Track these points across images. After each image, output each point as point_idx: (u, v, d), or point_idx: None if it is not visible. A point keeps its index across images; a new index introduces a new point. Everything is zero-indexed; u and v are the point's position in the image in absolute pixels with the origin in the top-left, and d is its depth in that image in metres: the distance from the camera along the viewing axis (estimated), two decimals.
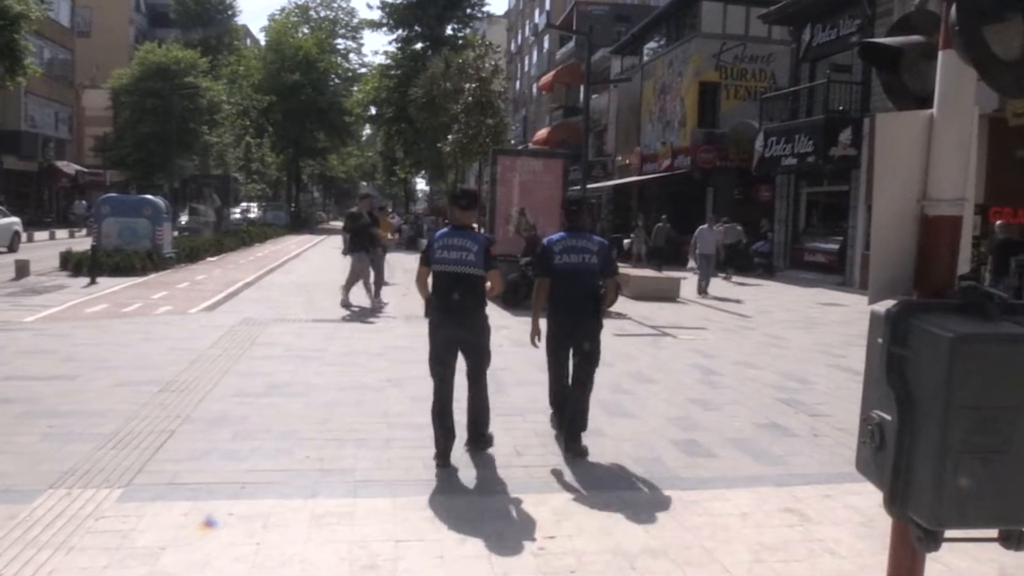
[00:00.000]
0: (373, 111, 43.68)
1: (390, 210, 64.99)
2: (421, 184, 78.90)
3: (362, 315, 10.27)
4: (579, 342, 4.93)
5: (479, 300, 4.59)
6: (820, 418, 5.90)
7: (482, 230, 13.05)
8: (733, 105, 23.96)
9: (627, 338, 9.22)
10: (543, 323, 5.05)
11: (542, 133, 38.35)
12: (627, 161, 29.41)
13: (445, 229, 4.71)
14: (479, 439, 4.79)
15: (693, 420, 5.74)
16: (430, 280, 4.67)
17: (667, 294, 14.07)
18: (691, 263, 15.98)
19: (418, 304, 11.72)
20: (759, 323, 11.37)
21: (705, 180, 24.15)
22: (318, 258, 24.16)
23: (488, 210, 13.04)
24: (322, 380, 6.55)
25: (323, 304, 12.09)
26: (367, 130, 56.12)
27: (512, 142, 37.10)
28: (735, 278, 18.00)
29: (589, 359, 4.94)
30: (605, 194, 29.47)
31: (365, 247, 11.01)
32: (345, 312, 10.68)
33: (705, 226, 15.03)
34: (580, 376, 4.94)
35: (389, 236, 18.56)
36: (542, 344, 5.05)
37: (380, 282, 14.47)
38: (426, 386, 6.29)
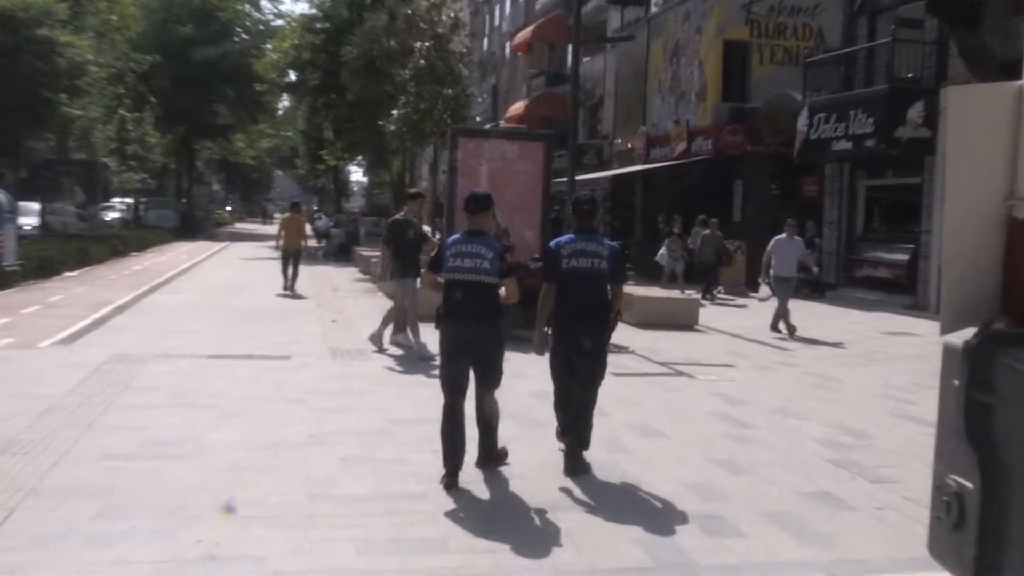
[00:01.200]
0: (293, 77, 43.49)
1: (316, 208, 64.36)
2: (357, 174, 78.91)
3: (400, 361, 10.31)
4: (585, 351, 6.05)
5: (494, 310, 5.68)
6: (883, 485, 6.01)
7: (438, 235, 12.90)
8: (768, 71, 24.31)
9: (629, 378, 9.31)
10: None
11: (517, 107, 38.62)
12: (629, 145, 29.71)
13: (457, 235, 5.84)
14: (490, 456, 5.87)
15: (716, 487, 5.83)
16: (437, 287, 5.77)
17: (682, 319, 14.15)
18: (763, 290, 14.32)
19: (354, 337, 11.89)
20: (803, 357, 11.60)
21: (732, 170, 24.39)
22: (218, 271, 24.14)
23: (446, 210, 13.14)
24: (221, 436, 6.61)
25: (224, 332, 12.14)
26: (284, 102, 55.98)
27: (478, 119, 37.30)
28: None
29: (594, 371, 6.09)
30: (600, 188, 29.73)
31: (416, 270, 10.89)
32: (373, 349, 10.80)
33: (783, 236, 13.80)
34: (583, 389, 6.08)
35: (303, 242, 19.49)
36: (547, 353, 6.18)
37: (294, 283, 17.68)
38: (361, 444, 6.43)
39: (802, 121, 20.27)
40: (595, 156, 32.40)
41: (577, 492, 5.60)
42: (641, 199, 30.35)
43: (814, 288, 20.34)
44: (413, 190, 10.23)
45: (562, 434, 6.25)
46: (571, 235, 6.16)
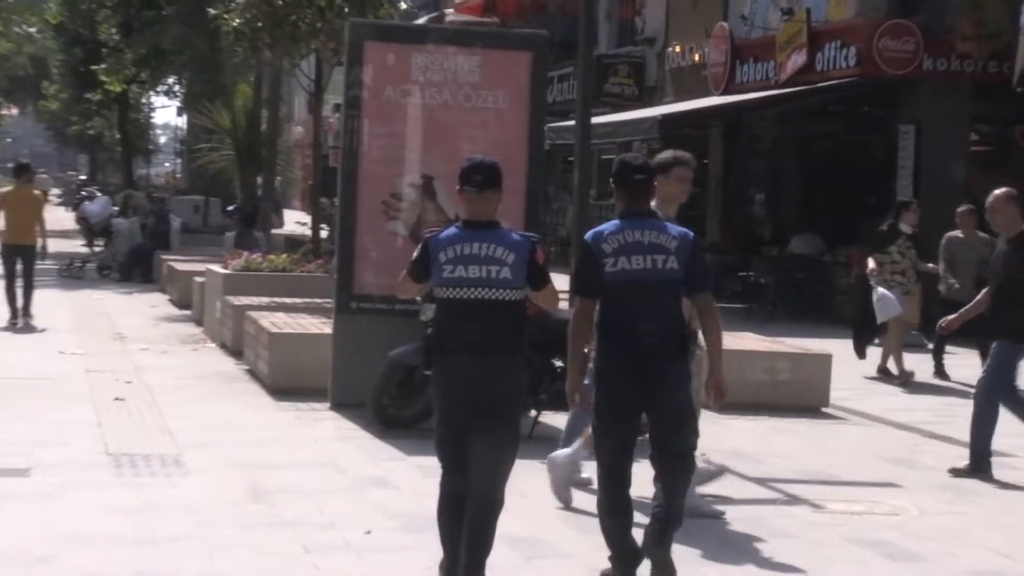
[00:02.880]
0: None
1: (83, 180, 63.83)
2: (166, 113, 78.76)
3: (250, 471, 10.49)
4: (655, 411, 7.21)
5: (516, 340, 6.90)
6: None
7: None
8: None
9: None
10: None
11: None
12: (696, 58, 30.05)
13: (453, 229, 6.95)
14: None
15: None
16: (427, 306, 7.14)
17: (798, 394, 14.06)
18: None
19: (158, 429, 11.97)
20: None
21: (894, 105, 24.50)
22: None
23: (340, 182, 13.34)
24: None
25: None
26: None
27: (403, 6, 37.00)
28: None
29: (678, 447, 7.24)
30: (641, 141, 29.16)
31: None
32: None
33: None
34: (668, 476, 7.22)
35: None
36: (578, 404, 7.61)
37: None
38: None
39: None
40: (630, 78, 32.37)
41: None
42: (721, 162, 30.41)
43: None
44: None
45: (617, 561, 7.25)
46: (615, 221, 7.25)
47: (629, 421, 7.23)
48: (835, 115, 25.42)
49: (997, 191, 11.53)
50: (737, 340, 15.31)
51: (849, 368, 17.30)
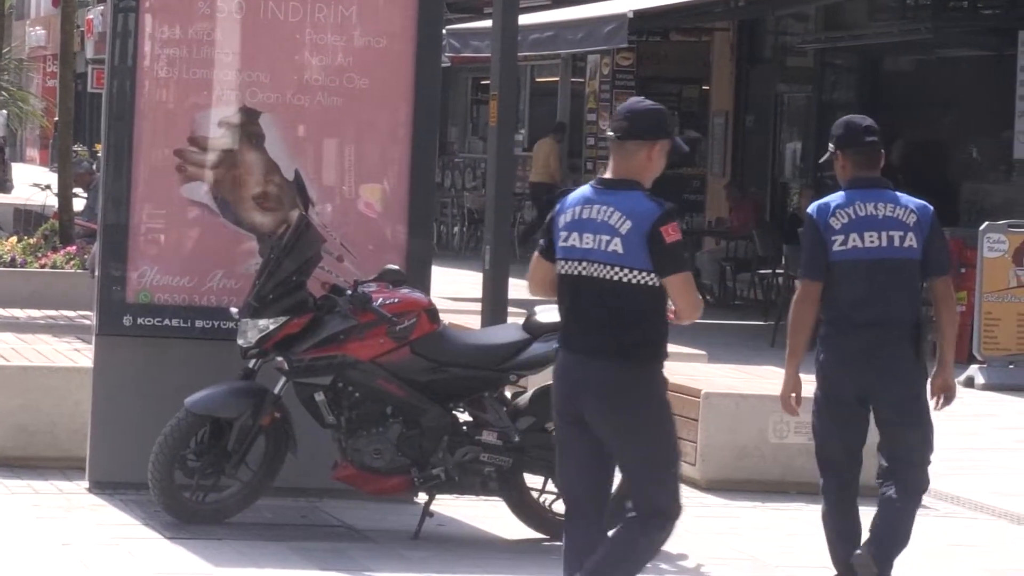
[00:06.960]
0: None
1: None
2: None
3: None
4: (880, 408, 7.72)
5: (629, 338, 6.38)
6: None
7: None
8: None
9: None
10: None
11: None
12: None
13: (588, 187, 6.78)
14: None
15: None
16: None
17: None
18: None
19: None
20: None
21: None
22: None
23: (108, 108, 11.31)
24: None
25: None
26: None
27: None
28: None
29: (907, 455, 7.75)
30: (599, 50, 26.83)
31: None
32: None
33: None
34: (900, 488, 7.70)
35: None
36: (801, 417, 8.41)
37: None
38: None
39: None
40: None
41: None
42: (730, 91, 28.08)
43: None
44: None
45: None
46: (841, 193, 7.70)
47: (853, 420, 7.61)
48: (919, 11, 22.52)
49: None
50: (754, 378, 13.98)
51: (938, 425, 15.20)
